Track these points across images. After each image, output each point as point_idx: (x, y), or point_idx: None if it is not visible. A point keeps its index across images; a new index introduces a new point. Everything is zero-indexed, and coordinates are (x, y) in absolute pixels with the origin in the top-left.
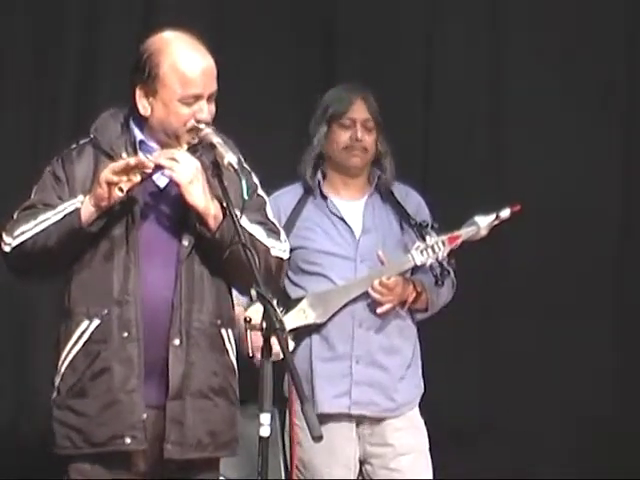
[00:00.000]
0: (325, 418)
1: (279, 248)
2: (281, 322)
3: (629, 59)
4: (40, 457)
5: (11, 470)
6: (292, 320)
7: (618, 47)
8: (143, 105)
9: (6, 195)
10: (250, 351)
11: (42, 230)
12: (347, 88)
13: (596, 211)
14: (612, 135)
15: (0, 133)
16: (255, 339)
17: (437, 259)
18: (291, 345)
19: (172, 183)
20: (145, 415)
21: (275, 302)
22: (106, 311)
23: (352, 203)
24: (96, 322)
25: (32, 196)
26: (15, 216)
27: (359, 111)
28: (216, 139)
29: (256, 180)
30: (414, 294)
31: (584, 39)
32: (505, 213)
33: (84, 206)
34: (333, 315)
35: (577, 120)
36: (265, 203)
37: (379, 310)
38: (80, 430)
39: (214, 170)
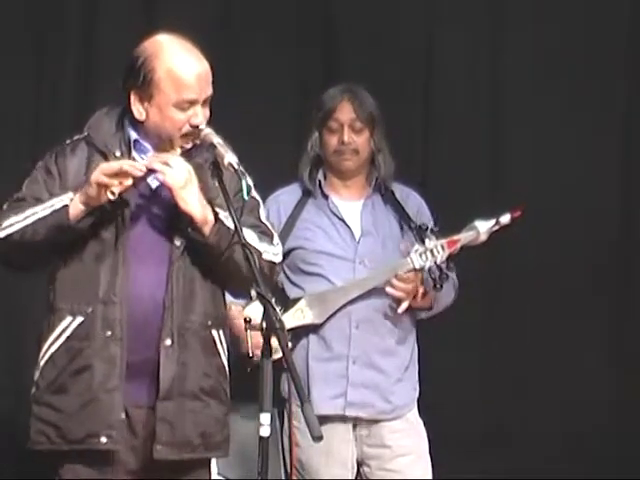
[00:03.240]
0: (321, 419)
1: (271, 252)
2: (281, 322)
3: (629, 59)
4: (39, 457)
5: (10, 470)
6: (290, 320)
7: (619, 46)
8: (138, 110)
9: (5, 195)
10: (250, 351)
11: (30, 224)
12: (334, 90)
13: (596, 212)
14: (612, 136)
15: (0, 133)
16: (255, 339)
17: (436, 263)
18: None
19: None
20: (124, 415)
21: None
22: (90, 309)
23: (352, 204)
24: (79, 319)
25: (23, 189)
26: (4, 207)
27: (344, 112)
28: (216, 139)
29: (250, 182)
30: (422, 289)
31: (584, 39)
32: (505, 218)
33: (73, 203)
34: (331, 316)
35: (577, 120)
36: (259, 205)
37: (400, 310)
38: (57, 426)
39: (214, 170)
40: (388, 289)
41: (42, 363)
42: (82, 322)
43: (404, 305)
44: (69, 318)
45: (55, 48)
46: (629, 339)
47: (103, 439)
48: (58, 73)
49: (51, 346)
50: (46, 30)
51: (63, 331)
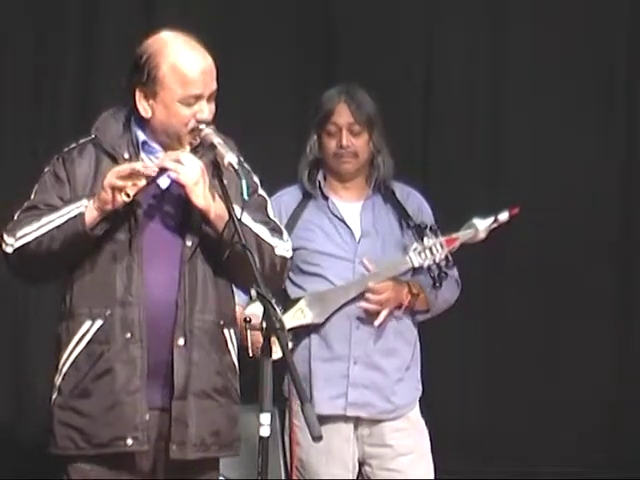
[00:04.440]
0: (322, 419)
1: (283, 247)
2: (281, 322)
3: (630, 58)
4: (40, 457)
5: (11, 470)
6: (290, 320)
7: (619, 46)
8: (144, 107)
9: (6, 195)
10: (251, 352)
11: (45, 233)
12: (331, 92)
13: (596, 212)
14: (612, 135)
15: (0, 133)
16: (255, 339)
17: (435, 261)
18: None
19: (175, 184)
20: (147, 416)
21: (274, 301)
22: (109, 312)
23: (352, 205)
24: (99, 323)
25: (32, 196)
26: (16, 217)
27: (342, 116)
28: (216, 139)
29: (257, 180)
30: (409, 297)
31: (585, 38)
32: (504, 216)
33: (88, 210)
34: (331, 315)
35: (577, 120)
36: (266, 202)
37: (376, 322)
38: (82, 431)
39: (214, 170)
40: (361, 303)
41: (65, 369)
42: (102, 325)
43: (382, 316)
44: (88, 322)
45: (55, 48)
46: (630, 339)
47: (129, 441)
48: (58, 73)
49: (73, 351)
50: (46, 30)
51: (83, 336)
